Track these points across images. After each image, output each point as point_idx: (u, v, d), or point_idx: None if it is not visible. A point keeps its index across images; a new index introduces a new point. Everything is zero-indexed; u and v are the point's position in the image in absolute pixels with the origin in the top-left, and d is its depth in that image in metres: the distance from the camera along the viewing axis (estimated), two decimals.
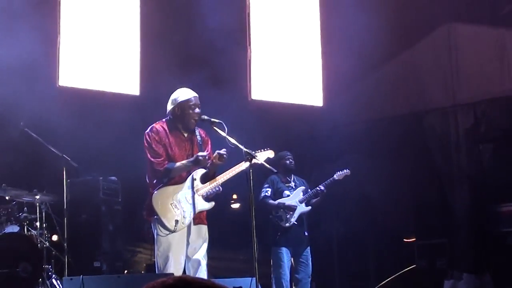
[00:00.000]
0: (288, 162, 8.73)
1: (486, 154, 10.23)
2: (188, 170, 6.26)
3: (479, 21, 10.28)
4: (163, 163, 6.17)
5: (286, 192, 8.67)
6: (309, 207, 8.66)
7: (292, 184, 8.77)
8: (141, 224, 9.43)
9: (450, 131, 10.41)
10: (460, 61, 10.30)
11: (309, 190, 8.73)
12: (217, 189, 6.35)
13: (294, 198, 8.62)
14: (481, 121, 10.19)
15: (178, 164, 6.19)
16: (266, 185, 8.64)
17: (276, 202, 8.56)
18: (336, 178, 8.69)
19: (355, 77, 10.73)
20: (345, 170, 8.72)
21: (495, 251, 9.87)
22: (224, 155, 6.14)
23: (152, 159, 6.19)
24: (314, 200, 8.71)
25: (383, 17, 9.80)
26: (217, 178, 6.29)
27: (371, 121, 10.92)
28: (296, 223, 8.55)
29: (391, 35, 10.17)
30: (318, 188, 8.62)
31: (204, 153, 6.20)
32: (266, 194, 8.59)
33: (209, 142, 6.44)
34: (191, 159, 6.21)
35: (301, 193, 8.67)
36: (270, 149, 6.51)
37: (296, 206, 8.56)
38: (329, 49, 9.97)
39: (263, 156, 6.34)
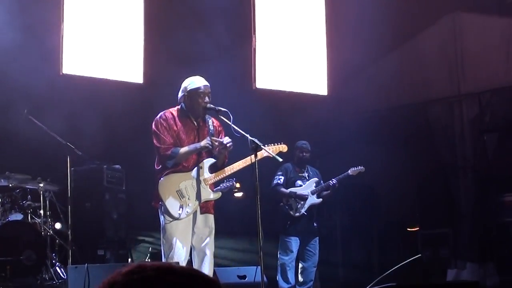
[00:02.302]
0: (301, 154, 8.69)
1: (490, 144, 10.21)
2: (196, 153, 6.22)
3: (485, 10, 10.22)
4: (169, 148, 6.13)
5: (299, 182, 8.63)
6: (320, 199, 8.63)
7: (305, 174, 8.73)
8: (147, 212, 9.43)
9: (455, 121, 10.38)
10: (465, 50, 10.25)
11: (321, 182, 8.69)
12: (230, 183, 6.34)
13: (307, 189, 8.59)
14: (486, 111, 10.16)
15: (184, 148, 6.16)
16: (279, 173, 8.60)
17: (288, 190, 8.54)
18: (350, 174, 8.67)
19: (360, 66, 10.70)
20: (359, 167, 8.69)
21: (499, 240, 9.89)
22: (228, 144, 6.11)
23: (158, 145, 6.16)
24: (325, 193, 8.68)
25: (388, 6, 9.75)
26: (225, 169, 6.26)
27: (375, 110, 10.88)
28: (305, 213, 8.52)
29: (396, 24, 10.13)
30: (331, 181, 8.58)
31: (218, 139, 6.16)
32: (279, 182, 8.56)
33: (223, 133, 6.36)
34: (198, 143, 6.17)
35: (314, 185, 8.63)
36: (284, 144, 6.48)
37: (308, 197, 8.53)
38: (334, 38, 9.92)
39: (275, 150, 6.30)
